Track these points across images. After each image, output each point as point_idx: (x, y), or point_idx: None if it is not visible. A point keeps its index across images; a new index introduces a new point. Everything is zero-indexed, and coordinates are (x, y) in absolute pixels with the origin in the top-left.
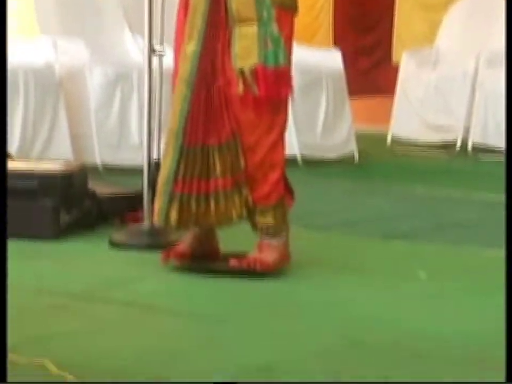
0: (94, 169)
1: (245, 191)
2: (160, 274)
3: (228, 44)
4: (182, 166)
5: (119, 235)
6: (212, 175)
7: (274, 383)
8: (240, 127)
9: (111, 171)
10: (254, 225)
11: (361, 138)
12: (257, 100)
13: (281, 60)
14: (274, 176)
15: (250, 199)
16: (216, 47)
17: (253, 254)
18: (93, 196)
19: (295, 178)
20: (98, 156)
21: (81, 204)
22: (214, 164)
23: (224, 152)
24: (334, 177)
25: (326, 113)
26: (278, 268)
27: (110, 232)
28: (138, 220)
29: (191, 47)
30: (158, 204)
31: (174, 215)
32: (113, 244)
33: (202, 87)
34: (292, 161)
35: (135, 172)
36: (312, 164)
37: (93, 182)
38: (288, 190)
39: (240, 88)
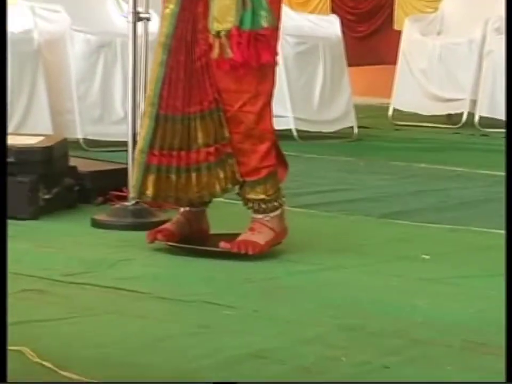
0: (75, 144)
1: (231, 162)
2: (146, 256)
3: (208, 6)
4: (158, 135)
5: (102, 215)
6: (193, 146)
7: (274, 383)
8: (221, 96)
9: (94, 146)
10: (245, 201)
11: (360, 111)
12: (233, 65)
13: (262, 21)
14: (262, 147)
15: (237, 172)
16: (196, 9)
17: (245, 235)
18: (74, 172)
19: (290, 154)
20: (80, 129)
21: (61, 181)
22: (195, 133)
23: (207, 121)
24: (332, 153)
25: (323, 84)
26: (272, 246)
27: (92, 212)
28: (122, 198)
29: (170, 7)
30: (134, 176)
31: (150, 187)
32: (96, 224)
33: (181, 51)
34: (286, 136)
35: (119, 146)
36: (309, 139)
37: (74, 157)
38: (281, 162)
39: (216, 52)
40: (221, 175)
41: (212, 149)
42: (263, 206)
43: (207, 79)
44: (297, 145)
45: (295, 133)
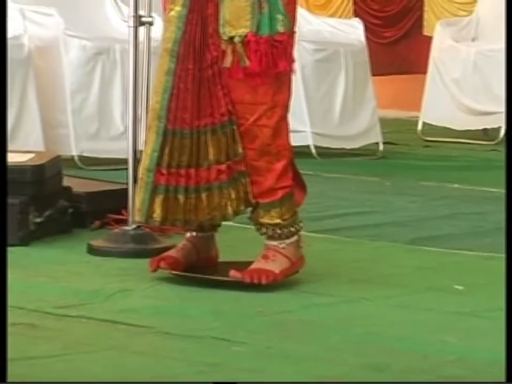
0: (69, 162)
1: (244, 181)
2: (148, 286)
3: (218, 8)
4: (166, 152)
5: (99, 240)
6: (203, 163)
7: (274, 383)
8: (235, 108)
9: (90, 164)
10: (258, 226)
11: (386, 126)
12: (250, 75)
13: (279, 26)
14: (279, 165)
15: (251, 193)
16: (206, 11)
17: (257, 264)
18: (68, 193)
19: (308, 174)
20: (75, 145)
21: (54, 203)
22: (205, 149)
23: (219, 135)
24: (354, 172)
25: (345, 95)
26: (287, 276)
27: (88, 237)
28: (122, 222)
29: (175, 9)
30: (139, 197)
31: (157, 210)
32: (92, 251)
33: (190, 58)
34: (304, 153)
35: (118, 164)
36: (329, 156)
37: (68, 177)
38: (299, 183)
39: (228, 60)
40: (233, 195)
41: (223, 167)
42: (278, 231)
43: (219, 89)
44: (316, 163)
45: (313, 150)
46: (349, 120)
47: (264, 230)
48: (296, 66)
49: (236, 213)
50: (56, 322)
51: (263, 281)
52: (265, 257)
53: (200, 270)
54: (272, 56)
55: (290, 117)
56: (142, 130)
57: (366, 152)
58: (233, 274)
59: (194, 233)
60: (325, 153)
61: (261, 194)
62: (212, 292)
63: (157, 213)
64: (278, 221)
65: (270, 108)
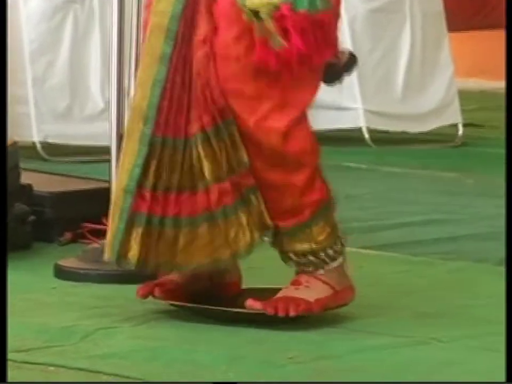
0: (29, 150)
1: (255, 198)
2: (139, 322)
3: None
4: (153, 168)
5: (70, 259)
6: (198, 183)
7: (274, 383)
8: (229, 104)
9: (58, 153)
10: (284, 256)
11: (468, 101)
12: (284, 60)
13: (319, 2)
14: (300, 177)
15: (265, 211)
16: None
17: (286, 290)
18: (27, 194)
19: (359, 167)
20: (37, 128)
21: (9, 208)
22: (199, 164)
23: (213, 143)
24: (424, 165)
25: (410, 59)
26: (328, 309)
27: (55, 255)
28: (102, 234)
29: None
30: (111, 227)
31: (134, 247)
32: (62, 273)
33: (187, 40)
34: (354, 139)
35: (96, 154)
36: (388, 143)
37: (28, 171)
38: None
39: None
40: (244, 220)
41: (226, 185)
42: (312, 259)
43: (211, 77)
44: (371, 152)
45: (366, 134)
46: (416, 93)
47: (293, 259)
48: (343, 18)
49: (251, 245)
50: (14, 372)
51: (291, 313)
52: (296, 282)
53: (214, 300)
54: (315, 39)
55: (336, 91)
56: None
57: (440, 137)
58: (251, 304)
59: None
60: (382, 138)
61: (281, 216)
62: (226, 331)
63: (133, 252)
64: (310, 246)
65: (279, 105)
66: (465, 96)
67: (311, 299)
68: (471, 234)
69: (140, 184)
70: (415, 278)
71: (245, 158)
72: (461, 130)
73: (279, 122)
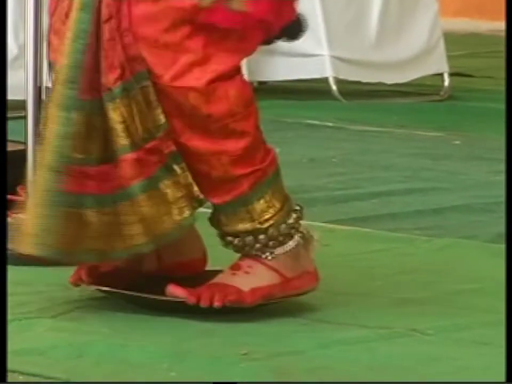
0: None
1: (179, 170)
2: (62, 311)
3: None
4: (77, 138)
5: None
6: (114, 152)
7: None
8: (149, 52)
9: None
10: (223, 237)
11: (456, 45)
12: (238, 21)
13: None
14: (231, 144)
15: (195, 188)
16: None
17: (221, 276)
18: None
19: (325, 125)
20: None
21: None
22: (112, 127)
23: (123, 101)
24: (402, 122)
25: None
26: (272, 299)
27: None
28: (17, 206)
29: None
30: (30, 213)
31: (55, 234)
32: None
33: None
34: (319, 92)
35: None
36: (359, 97)
37: None
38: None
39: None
40: (170, 195)
41: (140, 154)
42: (256, 241)
43: (124, 20)
44: (339, 107)
45: (334, 86)
46: (393, 37)
47: (232, 240)
48: None
49: (181, 224)
50: None
51: (216, 303)
52: (235, 267)
53: (159, 285)
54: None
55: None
56: (45, 70)
57: (422, 89)
58: (173, 290)
59: None
60: (353, 91)
61: (213, 191)
62: (167, 323)
63: (53, 239)
64: (253, 225)
65: (200, 60)
66: (452, 40)
67: (246, 288)
68: (458, 205)
69: (68, 159)
70: (393, 258)
71: (163, 118)
72: (447, 81)
73: (199, 80)
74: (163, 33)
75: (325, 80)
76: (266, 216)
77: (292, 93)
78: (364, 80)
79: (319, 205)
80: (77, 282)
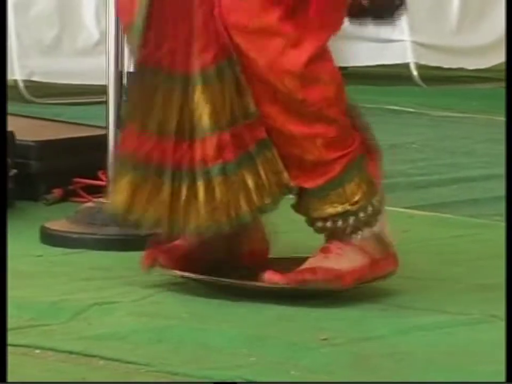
0: (11, 91)
1: (270, 155)
2: (142, 296)
3: None
4: (139, 106)
5: (60, 221)
6: (198, 131)
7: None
8: (233, 40)
9: (44, 94)
10: (312, 221)
11: None
12: None
13: None
14: (324, 128)
15: (285, 175)
16: None
17: (313, 260)
18: (10, 143)
19: (406, 110)
20: (19, 65)
21: None
22: (199, 107)
23: (214, 84)
24: (483, 108)
25: None
26: (365, 281)
27: (42, 215)
28: (98, 191)
29: None
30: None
31: (123, 193)
32: (50, 238)
33: None
34: (400, 77)
35: (90, 96)
36: (440, 82)
37: (9, 115)
38: (365, 143)
39: None
40: (250, 182)
41: (226, 136)
42: (346, 223)
43: (216, 7)
44: (420, 93)
45: (415, 71)
46: (474, 23)
47: (323, 224)
48: None
49: (256, 210)
50: None
51: (320, 285)
52: (326, 250)
53: (233, 271)
54: None
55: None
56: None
57: (502, 75)
58: (270, 277)
59: None
60: (434, 76)
61: (305, 175)
62: (246, 308)
63: (121, 197)
64: (344, 208)
65: (292, 43)
66: None
67: (344, 269)
68: None
69: (131, 120)
70: (472, 243)
71: (252, 106)
72: None
73: (294, 63)
74: (253, 18)
75: (406, 65)
76: (356, 198)
77: (373, 79)
78: (445, 66)
79: (399, 190)
80: (151, 265)
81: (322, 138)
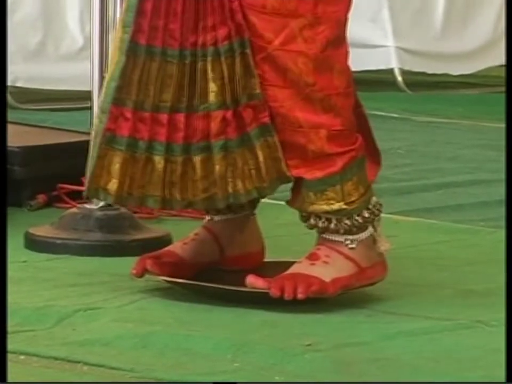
0: None
1: (271, 140)
2: (127, 302)
3: None
4: (134, 82)
5: (44, 227)
6: (198, 105)
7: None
8: (248, 21)
9: (28, 99)
10: (306, 216)
11: None
12: None
13: None
14: (331, 119)
15: (283, 159)
16: None
17: (298, 266)
18: None
19: (391, 116)
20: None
21: None
22: (205, 82)
23: (223, 63)
24: (467, 113)
25: None
26: (349, 289)
27: (26, 221)
28: (82, 197)
29: None
30: (90, 155)
31: (113, 176)
32: (34, 244)
33: None
34: (385, 83)
35: (75, 101)
36: (425, 88)
37: None
38: (369, 146)
39: None
40: (251, 162)
41: (229, 114)
42: (342, 223)
43: None
44: (404, 98)
45: (399, 77)
46: (459, 27)
47: (316, 221)
48: None
49: (256, 189)
50: None
51: (300, 295)
52: (313, 257)
53: (225, 276)
54: None
55: (364, 26)
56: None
57: (487, 80)
58: (252, 281)
59: (216, 217)
60: (418, 82)
61: (307, 165)
62: (231, 313)
63: (113, 182)
64: (339, 206)
65: (310, 23)
66: None
67: (328, 278)
68: None
69: (116, 100)
70: (457, 249)
71: (258, 88)
72: None
73: (310, 45)
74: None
75: (390, 71)
76: (353, 198)
77: (357, 84)
78: (429, 71)
79: (385, 196)
80: (140, 274)
81: (327, 130)
